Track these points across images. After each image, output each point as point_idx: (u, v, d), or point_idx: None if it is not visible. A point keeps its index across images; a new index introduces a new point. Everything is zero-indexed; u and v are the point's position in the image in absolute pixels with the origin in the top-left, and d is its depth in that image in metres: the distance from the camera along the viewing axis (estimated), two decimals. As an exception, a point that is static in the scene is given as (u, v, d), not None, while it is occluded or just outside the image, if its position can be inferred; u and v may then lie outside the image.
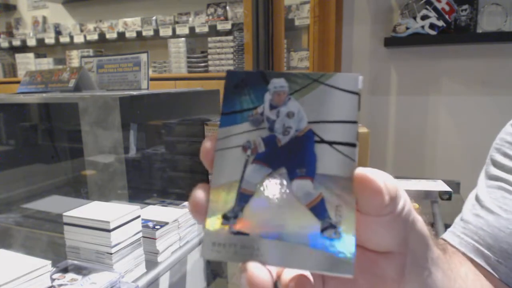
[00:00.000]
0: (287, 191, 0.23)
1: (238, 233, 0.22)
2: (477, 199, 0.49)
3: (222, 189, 0.23)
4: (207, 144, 0.24)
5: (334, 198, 0.22)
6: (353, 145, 0.23)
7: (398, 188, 0.23)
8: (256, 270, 0.21)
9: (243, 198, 0.23)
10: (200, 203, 0.23)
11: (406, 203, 0.24)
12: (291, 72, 0.25)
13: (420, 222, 0.27)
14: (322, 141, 0.23)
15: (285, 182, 0.23)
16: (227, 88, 0.25)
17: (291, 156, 0.23)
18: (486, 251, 0.44)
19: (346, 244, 0.21)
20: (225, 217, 0.23)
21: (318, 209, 0.22)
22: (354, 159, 0.23)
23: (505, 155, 0.48)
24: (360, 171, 0.22)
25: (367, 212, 0.22)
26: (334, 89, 0.24)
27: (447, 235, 0.49)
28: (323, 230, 0.22)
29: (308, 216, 0.22)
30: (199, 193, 0.23)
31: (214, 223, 0.23)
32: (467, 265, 0.43)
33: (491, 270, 0.43)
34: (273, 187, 0.23)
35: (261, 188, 0.23)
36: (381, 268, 0.26)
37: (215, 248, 0.22)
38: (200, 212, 0.23)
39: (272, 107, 0.24)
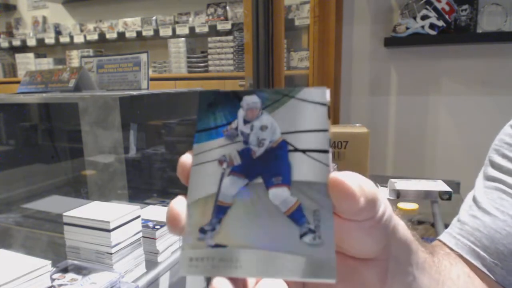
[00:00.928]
0: (265, 200, 0.23)
1: (216, 245, 0.22)
2: (474, 200, 0.48)
3: (199, 203, 0.23)
4: (184, 159, 0.24)
5: (311, 203, 0.22)
6: (325, 151, 0.23)
7: (376, 193, 0.23)
8: (219, 285, 0.21)
9: (221, 210, 0.23)
10: (177, 217, 0.23)
11: (386, 209, 0.24)
12: (262, 89, 0.25)
13: (402, 227, 0.27)
14: (296, 149, 0.24)
15: (262, 192, 0.23)
16: (201, 107, 0.25)
17: (267, 166, 0.24)
18: (482, 253, 0.44)
19: (326, 248, 0.21)
20: (202, 231, 0.22)
21: (296, 215, 0.22)
22: (328, 164, 0.23)
23: (504, 156, 0.48)
24: (333, 175, 0.22)
25: (344, 215, 0.23)
26: (304, 102, 0.24)
27: (444, 236, 0.49)
28: (302, 235, 0.22)
29: (286, 223, 0.22)
30: (176, 208, 0.23)
31: (191, 237, 0.22)
32: (459, 266, 0.43)
33: (487, 272, 0.43)
34: (250, 197, 0.23)
35: (238, 200, 0.23)
36: (363, 275, 0.26)
37: (193, 263, 0.22)
38: (178, 227, 0.23)
39: (245, 122, 0.25)
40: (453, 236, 0.47)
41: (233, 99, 0.25)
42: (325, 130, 0.24)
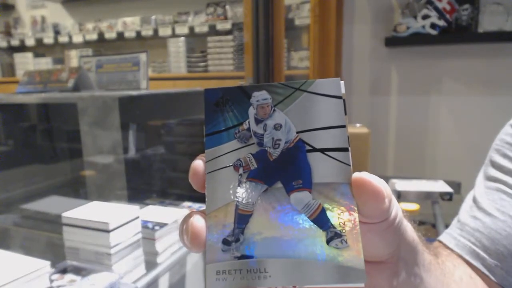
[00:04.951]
0: (286, 205, 0.22)
1: (242, 256, 0.21)
2: (475, 200, 0.48)
3: (218, 213, 0.22)
4: (196, 165, 0.23)
5: (335, 205, 0.22)
6: (345, 149, 0.22)
7: (392, 194, 0.23)
8: None
9: (242, 219, 0.22)
10: (199, 234, 0.22)
11: (398, 211, 0.24)
12: (271, 83, 0.24)
13: (410, 230, 0.27)
14: (314, 149, 0.23)
15: (282, 197, 0.22)
16: (208, 107, 0.24)
17: (285, 169, 0.23)
18: (482, 253, 0.44)
19: (354, 252, 0.20)
20: (226, 242, 0.22)
21: (321, 219, 0.22)
22: (349, 163, 0.22)
23: (505, 156, 0.48)
24: (357, 175, 0.21)
25: (369, 216, 0.22)
26: (318, 96, 0.23)
27: (444, 237, 0.48)
28: (329, 240, 0.21)
29: (311, 229, 0.21)
30: (196, 223, 0.22)
31: (215, 250, 0.21)
32: (462, 268, 0.43)
33: (487, 273, 0.43)
34: (271, 204, 0.22)
35: (259, 206, 0.22)
36: (373, 279, 0.26)
37: (220, 276, 0.21)
38: (200, 244, 0.22)
39: (257, 121, 0.24)
40: (453, 236, 0.47)
41: (241, 95, 0.24)
42: (343, 126, 0.23)
